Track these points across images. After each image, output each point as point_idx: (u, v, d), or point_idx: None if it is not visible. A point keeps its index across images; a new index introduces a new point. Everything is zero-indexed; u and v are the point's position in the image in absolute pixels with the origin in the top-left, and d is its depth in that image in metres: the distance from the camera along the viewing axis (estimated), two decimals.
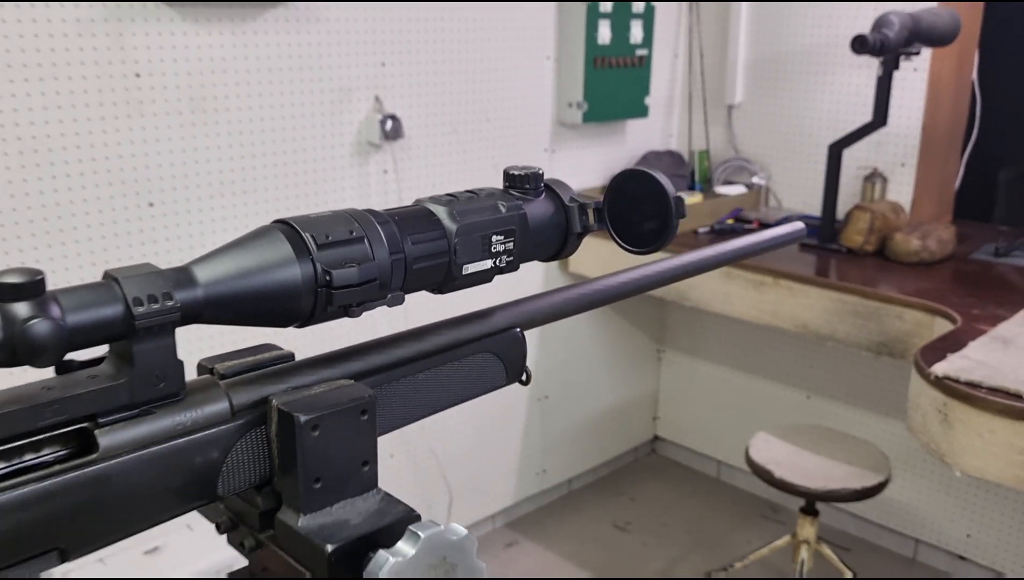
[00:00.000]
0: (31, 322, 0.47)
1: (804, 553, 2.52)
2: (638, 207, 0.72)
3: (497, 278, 0.70)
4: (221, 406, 0.57)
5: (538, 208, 0.71)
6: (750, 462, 2.48)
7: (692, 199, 3.01)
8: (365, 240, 0.60)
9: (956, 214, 3.12)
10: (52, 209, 1.97)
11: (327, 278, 0.57)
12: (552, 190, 0.73)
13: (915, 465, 2.99)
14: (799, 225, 1.05)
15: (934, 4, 2.65)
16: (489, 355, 0.73)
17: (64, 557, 0.52)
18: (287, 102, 2.32)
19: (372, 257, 0.60)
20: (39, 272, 0.48)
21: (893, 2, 2.70)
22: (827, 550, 2.58)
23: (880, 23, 2.38)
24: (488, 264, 0.68)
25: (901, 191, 2.90)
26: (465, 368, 0.72)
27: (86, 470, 0.51)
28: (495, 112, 2.81)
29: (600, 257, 2.92)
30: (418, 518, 0.58)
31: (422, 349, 0.68)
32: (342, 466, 0.58)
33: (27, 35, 1.88)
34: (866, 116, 2.72)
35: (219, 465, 0.57)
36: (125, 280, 0.51)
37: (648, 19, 3.01)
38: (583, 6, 2.81)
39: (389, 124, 2.51)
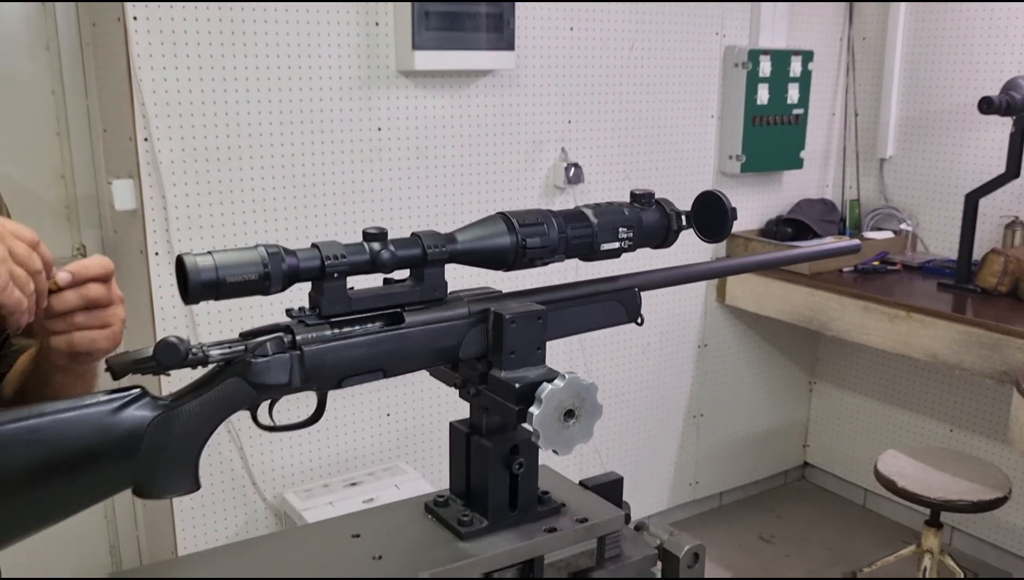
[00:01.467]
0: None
1: (927, 562, 2.78)
2: (711, 214, 1.17)
3: (627, 256, 1.16)
4: (463, 310, 1.06)
5: (650, 214, 1.17)
6: (877, 474, 2.78)
7: (838, 242, 3.34)
8: (545, 225, 1.08)
9: None
10: (314, 228, 2.59)
11: (523, 243, 1.06)
12: (660, 204, 1.18)
13: None
14: (855, 242, 1.45)
15: None
16: (616, 303, 1.19)
17: (386, 374, 1.02)
18: (490, 151, 2.88)
19: (548, 234, 1.08)
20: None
21: None
22: (950, 561, 2.81)
23: (1008, 86, 2.68)
24: (616, 245, 1.14)
25: None
26: (601, 308, 1.18)
27: (398, 331, 1.01)
28: (663, 161, 3.26)
29: (754, 291, 3.31)
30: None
31: (577, 293, 1.15)
32: (525, 346, 1.06)
33: (304, 97, 2.53)
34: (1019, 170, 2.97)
35: (460, 341, 1.06)
36: (423, 235, 1.02)
37: (804, 83, 3.39)
38: (744, 72, 3.24)
39: (572, 171, 3.02)
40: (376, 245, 0.99)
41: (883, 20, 3.53)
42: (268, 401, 0.99)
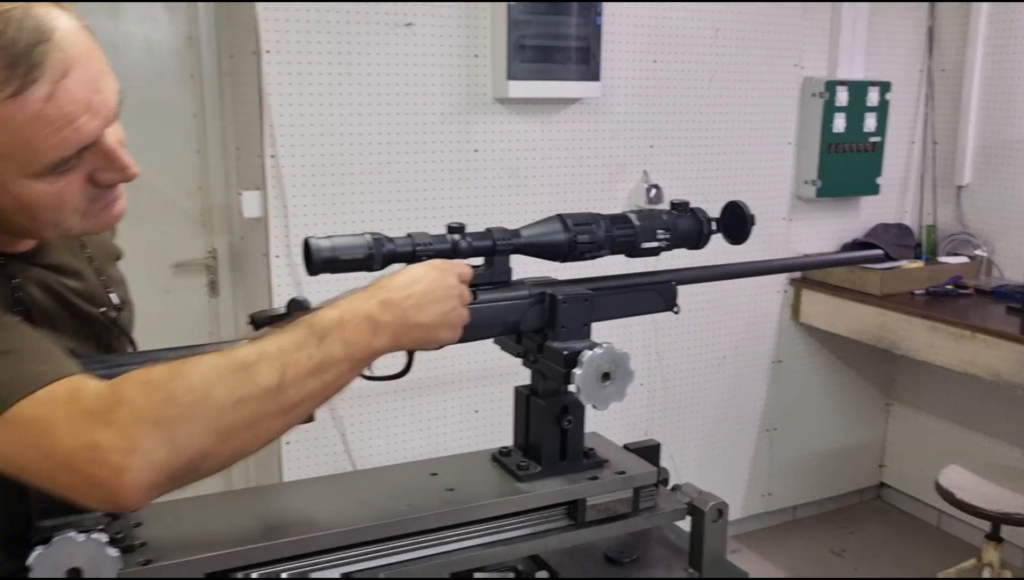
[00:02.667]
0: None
1: (987, 573, 2.87)
2: (736, 220, 1.39)
3: (666, 254, 1.40)
4: (525, 292, 1.31)
5: (685, 220, 1.40)
6: (938, 487, 2.89)
7: (912, 265, 3.47)
8: (594, 225, 1.33)
9: None
10: None
11: (575, 239, 1.31)
12: (693, 211, 1.42)
13: None
14: (877, 251, 1.64)
15: None
16: (655, 293, 1.42)
17: (462, 340, 1.28)
18: (577, 172, 3.14)
19: (596, 233, 1.32)
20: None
21: None
22: (1009, 574, 2.90)
23: None
24: (655, 244, 1.38)
25: None
26: (641, 297, 1.41)
27: (472, 305, 1.27)
28: (741, 184, 3.46)
29: (827, 310, 3.47)
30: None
31: (620, 283, 1.39)
32: (574, 323, 1.30)
33: (409, 121, 2.84)
34: None
35: (522, 317, 1.31)
36: (494, 230, 1.28)
37: (882, 112, 3.55)
38: (820, 101, 3.42)
39: (653, 192, 3.25)
40: (456, 236, 1.25)
41: (962, 52, 3.65)
42: None
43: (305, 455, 2.86)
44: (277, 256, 2.74)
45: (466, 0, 2.83)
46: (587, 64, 2.97)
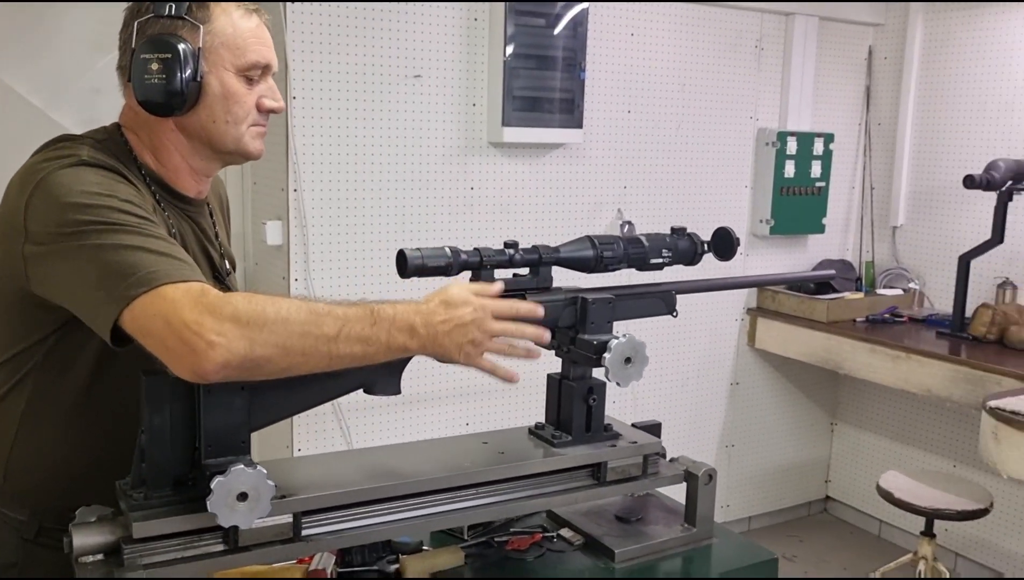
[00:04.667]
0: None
1: (921, 567, 3.26)
2: (725, 242, 1.76)
3: (668, 269, 1.75)
4: (562, 295, 1.65)
5: (683, 241, 1.76)
6: (878, 488, 3.28)
7: (854, 296, 3.89)
8: (615, 244, 1.68)
9: None
10: None
11: (601, 254, 1.66)
12: (690, 235, 1.78)
13: None
14: (830, 271, 2.03)
15: None
16: (659, 299, 1.78)
17: None
18: (559, 209, 3.51)
19: (616, 250, 1.68)
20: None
21: None
22: (942, 567, 3.29)
23: (989, 166, 3.25)
24: (660, 260, 1.73)
25: None
26: (649, 302, 1.76)
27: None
28: (703, 222, 3.83)
29: (779, 336, 3.86)
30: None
31: (634, 291, 1.74)
32: (600, 320, 1.64)
33: (414, 161, 3.18)
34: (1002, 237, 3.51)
35: (559, 314, 1.64)
36: (539, 247, 1.62)
37: (826, 160, 3.99)
38: (773, 150, 3.85)
39: (626, 227, 3.63)
40: (511, 250, 1.60)
41: (895, 107, 4.13)
42: None
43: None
44: (296, 280, 3.05)
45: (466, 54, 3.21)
46: (571, 113, 3.35)
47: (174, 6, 1.39)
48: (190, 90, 1.38)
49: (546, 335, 1.49)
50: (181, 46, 1.37)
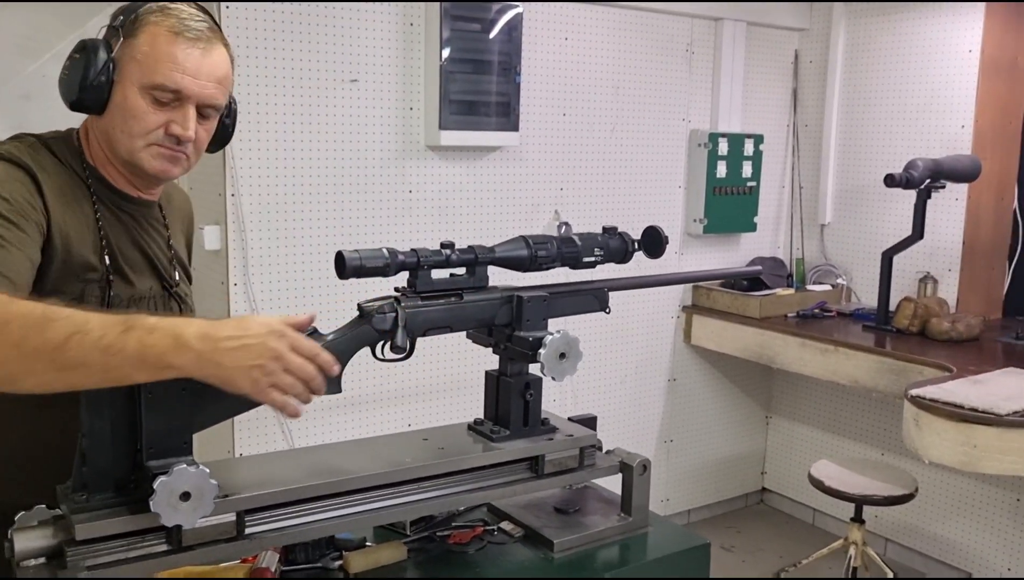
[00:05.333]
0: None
1: (852, 552, 3.37)
2: (653, 241, 1.82)
3: (601, 267, 1.81)
4: (498, 294, 1.70)
5: (614, 240, 1.82)
6: (810, 477, 3.39)
7: (785, 292, 4.01)
8: (549, 244, 1.73)
9: (1006, 312, 3.94)
10: None
11: (535, 253, 1.71)
12: (620, 234, 1.83)
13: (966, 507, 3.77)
14: (757, 267, 2.10)
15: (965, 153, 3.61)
16: (591, 297, 1.83)
17: (451, 330, 1.65)
18: (497, 211, 3.55)
19: (550, 250, 1.73)
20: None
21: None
22: (871, 551, 3.41)
23: (908, 165, 3.38)
24: (592, 259, 1.79)
25: (949, 290, 3.80)
26: (582, 299, 1.81)
27: (459, 304, 1.64)
28: (639, 222, 3.90)
29: (714, 332, 3.96)
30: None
31: (567, 289, 1.79)
32: (536, 317, 1.69)
33: (353, 165, 3.20)
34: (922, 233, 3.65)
35: (495, 313, 1.69)
36: (475, 247, 1.66)
37: (757, 160, 4.11)
38: (705, 151, 3.95)
39: (564, 228, 3.69)
40: (448, 250, 1.63)
41: (821, 110, 4.27)
42: (382, 342, 1.61)
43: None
44: (235, 285, 3.04)
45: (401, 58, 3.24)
46: (508, 117, 3.40)
47: (122, 17, 1.49)
48: (92, 92, 1.46)
49: (322, 385, 1.33)
50: (95, 49, 1.46)
